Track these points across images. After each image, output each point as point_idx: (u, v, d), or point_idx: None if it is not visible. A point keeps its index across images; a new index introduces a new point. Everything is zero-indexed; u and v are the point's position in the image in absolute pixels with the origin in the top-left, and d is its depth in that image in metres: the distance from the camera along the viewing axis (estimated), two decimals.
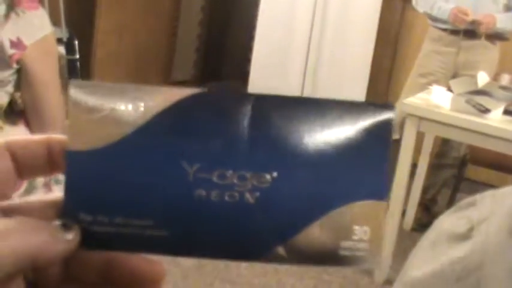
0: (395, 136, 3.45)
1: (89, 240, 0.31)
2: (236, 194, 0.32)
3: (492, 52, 3.33)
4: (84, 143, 0.31)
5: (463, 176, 3.60)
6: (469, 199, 0.49)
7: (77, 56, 3.98)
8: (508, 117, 2.60)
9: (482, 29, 3.18)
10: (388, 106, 0.33)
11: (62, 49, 3.75)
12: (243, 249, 0.32)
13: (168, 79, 5.41)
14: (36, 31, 1.47)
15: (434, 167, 3.47)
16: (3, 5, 1.42)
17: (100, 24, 4.47)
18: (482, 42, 3.26)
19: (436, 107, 2.67)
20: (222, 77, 6.13)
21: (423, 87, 3.26)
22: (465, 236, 0.46)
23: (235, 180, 0.32)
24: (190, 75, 5.86)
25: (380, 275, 2.83)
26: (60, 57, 3.27)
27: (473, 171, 3.79)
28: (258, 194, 0.32)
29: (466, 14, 3.17)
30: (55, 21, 3.52)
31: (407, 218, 3.41)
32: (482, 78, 2.65)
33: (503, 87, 2.60)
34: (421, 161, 3.39)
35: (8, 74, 1.47)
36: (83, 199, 0.31)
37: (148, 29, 4.94)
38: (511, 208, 0.44)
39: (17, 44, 1.44)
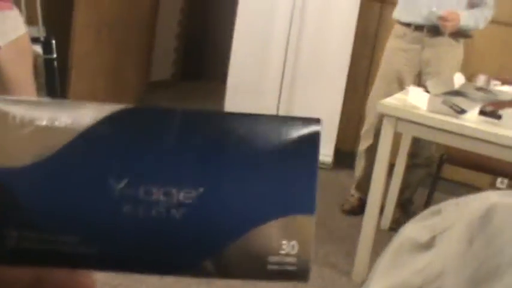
0: (369, 142, 3.47)
1: (16, 257, 0.31)
2: (162, 210, 0.32)
3: (456, 49, 3.36)
4: (11, 159, 0.31)
5: (440, 176, 3.63)
6: (434, 207, 0.49)
7: (54, 55, 3.94)
8: (483, 118, 2.63)
9: (447, 27, 3.20)
10: (314, 120, 0.33)
11: (38, 48, 3.71)
12: (171, 265, 0.32)
13: (147, 78, 5.39)
14: (10, 32, 1.46)
15: (408, 167, 3.51)
16: None
17: (78, 23, 4.43)
18: (446, 39, 3.29)
19: (413, 108, 2.69)
20: (201, 76, 6.12)
21: (390, 85, 3.34)
22: (427, 245, 0.46)
23: (161, 197, 0.32)
24: (170, 75, 5.84)
25: (358, 275, 2.85)
26: (36, 56, 3.25)
27: (450, 171, 3.82)
28: (184, 209, 0.32)
29: None
30: (32, 20, 3.49)
31: (384, 217, 3.44)
32: (458, 79, 2.68)
33: (479, 88, 2.63)
34: (399, 161, 3.42)
35: None
36: (9, 215, 0.31)
37: (127, 28, 4.91)
38: (472, 217, 0.45)
39: None
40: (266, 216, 0.32)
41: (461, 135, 2.55)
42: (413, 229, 0.49)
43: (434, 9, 3.21)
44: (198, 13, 5.97)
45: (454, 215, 0.47)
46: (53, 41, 3.97)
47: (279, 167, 0.32)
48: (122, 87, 4.95)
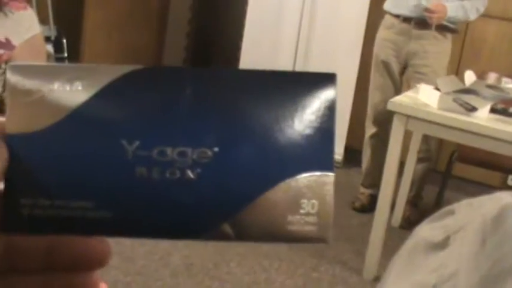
0: (372, 130, 3.53)
1: (31, 225, 0.31)
2: (177, 171, 0.31)
3: (443, 44, 3.36)
4: (23, 126, 0.31)
5: (451, 174, 3.62)
6: (448, 208, 0.50)
7: (65, 55, 3.96)
8: (494, 116, 2.63)
9: (434, 19, 3.21)
10: (330, 75, 0.32)
11: (50, 48, 3.74)
12: (186, 228, 0.31)
13: None
14: (25, 31, 1.48)
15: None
16: None
17: (88, 24, 4.46)
18: (432, 32, 3.30)
19: (423, 106, 2.69)
20: (212, 62, 6.12)
21: (382, 75, 3.42)
22: (441, 245, 0.47)
23: (175, 157, 0.31)
24: (181, 60, 5.84)
25: (369, 273, 2.85)
26: (48, 55, 3.27)
27: (461, 169, 3.81)
28: (199, 170, 0.31)
29: None
30: (43, 20, 3.51)
31: (395, 215, 3.44)
32: (469, 77, 2.68)
33: (490, 86, 2.62)
34: (409, 159, 3.41)
35: None
36: (23, 183, 0.31)
37: (137, 28, 4.93)
38: (485, 218, 0.45)
39: (5, 44, 1.44)
40: (284, 174, 0.31)
41: (472, 133, 2.55)
42: (428, 229, 0.50)
43: (423, 2, 3.22)
44: (208, 10, 5.97)
45: (468, 216, 0.47)
46: (64, 40, 3.99)
47: (295, 123, 0.31)
48: None
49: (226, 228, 0.31)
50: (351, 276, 2.91)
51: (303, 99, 0.32)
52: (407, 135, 2.93)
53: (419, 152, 3.42)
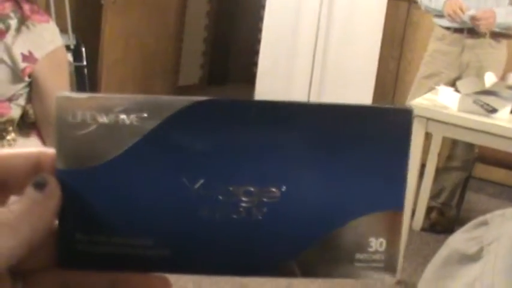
0: None
1: (86, 261, 0.30)
2: (242, 210, 0.30)
3: (498, 51, 3.20)
4: (74, 161, 0.29)
5: (472, 175, 3.59)
6: (481, 218, 0.50)
7: (84, 63, 3.98)
8: None
9: (482, 27, 3.04)
10: (406, 110, 0.31)
11: (69, 56, 3.76)
12: (251, 266, 0.30)
13: (174, 83, 5.43)
14: (47, 44, 1.49)
15: (444, 170, 3.43)
16: (15, 19, 1.44)
17: (106, 33, 4.49)
18: (487, 40, 3.14)
19: (443, 108, 2.67)
20: (228, 80, 6.14)
21: (429, 88, 3.17)
22: (475, 257, 0.47)
23: (240, 196, 0.30)
24: (197, 79, 5.87)
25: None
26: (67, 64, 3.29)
27: (482, 170, 3.79)
28: (265, 209, 0.30)
29: (461, 9, 3.02)
30: (62, 28, 3.53)
31: (416, 218, 3.41)
32: (489, 78, 2.66)
33: (511, 87, 2.60)
34: (429, 162, 3.39)
35: (20, 87, 1.49)
36: (78, 219, 0.30)
37: (154, 35, 4.95)
38: None
39: (28, 57, 1.45)
40: (354, 213, 0.30)
41: (493, 134, 2.53)
42: (461, 240, 0.50)
43: (471, 11, 3.03)
44: (225, 17, 5.99)
45: (501, 227, 0.47)
46: (83, 49, 4.02)
47: (366, 160, 0.30)
48: (150, 93, 4.97)
49: (292, 265, 0.30)
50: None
51: (377, 134, 0.30)
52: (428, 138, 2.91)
53: (455, 159, 3.34)
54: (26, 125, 1.60)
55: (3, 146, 1.51)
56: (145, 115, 0.29)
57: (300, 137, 0.30)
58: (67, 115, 0.29)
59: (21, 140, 1.56)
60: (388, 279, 0.32)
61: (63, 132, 0.29)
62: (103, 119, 0.29)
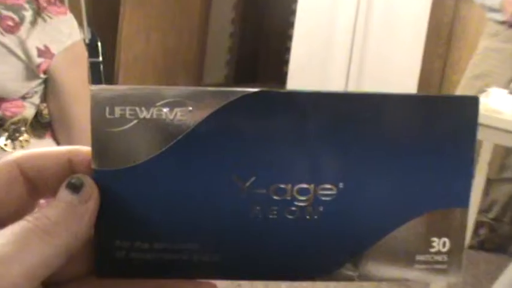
0: None
1: (127, 269, 0.30)
2: (296, 210, 0.30)
3: None
4: (113, 160, 0.29)
5: None
6: None
7: (100, 59, 4.01)
8: None
9: (508, 10, 2.98)
10: (472, 97, 0.31)
11: None
12: (307, 270, 0.30)
13: (198, 82, 5.44)
14: (65, 38, 1.49)
15: (496, 181, 3.38)
16: (30, 11, 1.43)
17: (124, 28, 4.51)
18: None
19: (495, 112, 2.64)
20: (256, 78, 6.14)
21: (478, 90, 3.13)
22: None
23: (295, 194, 0.30)
24: (223, 77, 5.88)
25: None
26: None
27: None
28: (321, 208, 0.30)
29: None
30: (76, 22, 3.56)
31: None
32: None
33: None
34: (479, 172, 3.34)
35: (35, 85, 1.49)
36: (117, 223, 0.29)
37: (177, 31, 4.97)
38: None
39: (44, 52, 1.45)
40: (414, 211, 0.30)
41: None
42: None
43: None
44: (253, 9, 5.99)
45: None
46: (99, 44, 4.04)
47: (430, 153, 0.30)
48: None
49: (349, 268, 0.30)
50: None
51: (439, 126, 0.30)
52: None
53: (508, 169, 3.29)
54: (39, 126, 1.60)
55: (15, 147, 1.52)
56: (190, 109, 0.29)
57: (360, 129, 0.30)
58: (103, 110, 0.28)
59: (34, 141, 1.56)
60: (451, 282, 0.31)
61: (99, 129, 0.28)
62: (144, 114, 0.29)
